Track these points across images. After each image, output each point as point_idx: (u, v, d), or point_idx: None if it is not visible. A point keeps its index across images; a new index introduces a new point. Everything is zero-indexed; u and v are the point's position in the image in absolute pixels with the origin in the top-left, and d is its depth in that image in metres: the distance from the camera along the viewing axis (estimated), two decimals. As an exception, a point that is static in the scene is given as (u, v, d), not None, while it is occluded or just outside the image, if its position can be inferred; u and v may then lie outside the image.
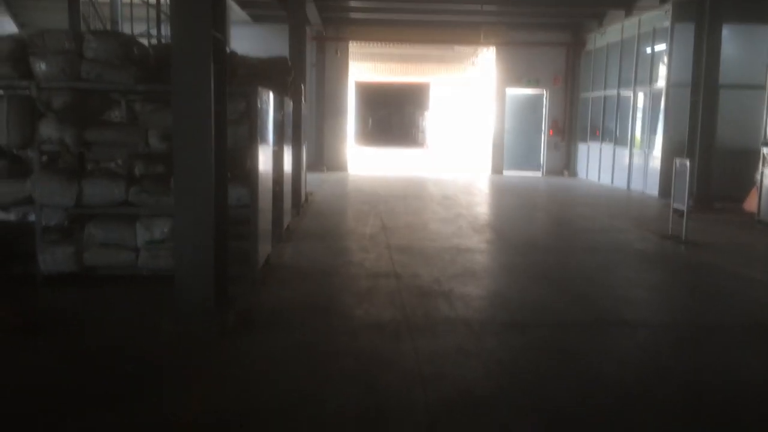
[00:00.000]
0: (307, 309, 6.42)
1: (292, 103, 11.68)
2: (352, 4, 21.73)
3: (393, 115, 47.52)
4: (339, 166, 22.92)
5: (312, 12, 18.52)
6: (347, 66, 23.42)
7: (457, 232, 10.92)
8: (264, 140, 7.47)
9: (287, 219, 10.65)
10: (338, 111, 23.35)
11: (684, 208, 10.79)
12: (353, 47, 23.53)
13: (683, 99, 15.62)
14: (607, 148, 20.63)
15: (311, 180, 16.17)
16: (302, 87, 14.18)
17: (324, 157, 22.65)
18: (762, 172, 12.55)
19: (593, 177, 21.35)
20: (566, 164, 23.87)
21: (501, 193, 18.54)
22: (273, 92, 8.27)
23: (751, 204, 13.42)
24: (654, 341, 5.81)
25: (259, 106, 7.05)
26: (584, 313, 6.56)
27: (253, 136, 7.02)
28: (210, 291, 5.53)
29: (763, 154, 12.54)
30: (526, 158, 24.03)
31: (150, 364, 4.92)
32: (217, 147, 5.58)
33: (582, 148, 23.02)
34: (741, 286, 7.84)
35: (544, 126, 23.85)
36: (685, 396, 4.59)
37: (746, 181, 14.18)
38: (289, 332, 5.70)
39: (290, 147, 13.05)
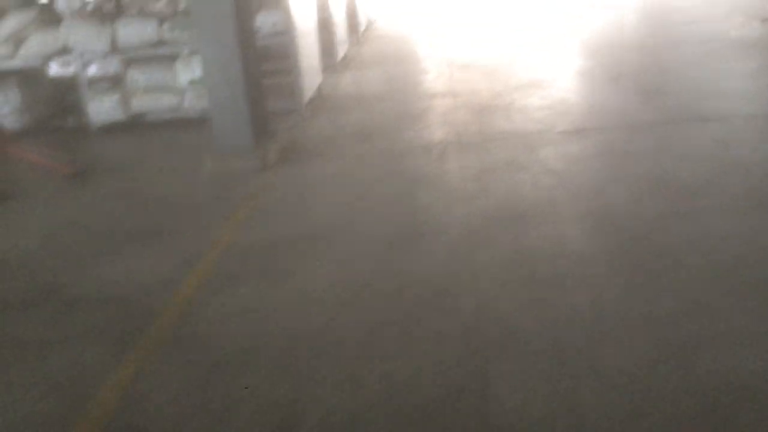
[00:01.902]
0: (355, 136, 6.15)
1: None
2: None
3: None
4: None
5: None
6: None
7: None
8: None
9: (343, 47, 10.13)
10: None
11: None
12: None
13: None
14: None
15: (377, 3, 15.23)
16: None
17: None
18: None
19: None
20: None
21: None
22: None
23: None
24: (733, 134, 5.15)
25: None
26: (658, 112, 5.89)
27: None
28: (246, 127, 5.34)
29: None
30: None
31: (191, 199, 4.93)
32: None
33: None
34: None
35: None
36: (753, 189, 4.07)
37: None
38: (332, 161, 5.51)
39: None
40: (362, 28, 13.00)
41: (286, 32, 6.65)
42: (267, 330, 3.07)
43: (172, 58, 6.80)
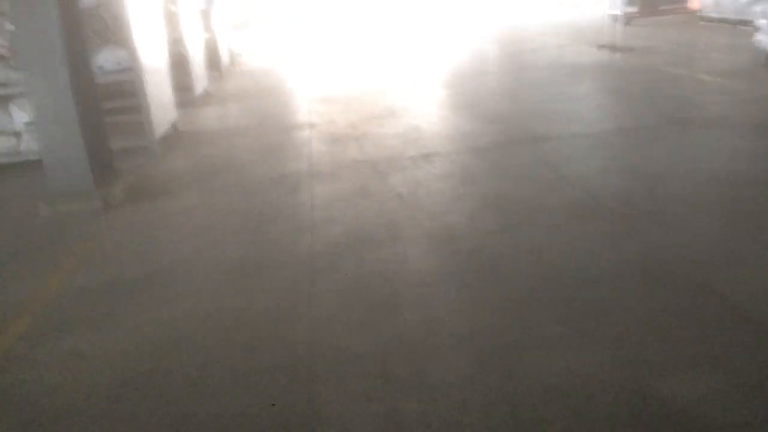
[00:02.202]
0: (208, 172, 6.04)
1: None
2: None
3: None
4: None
5: None
6: None
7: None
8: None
9: (203, 82, 9.99)
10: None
11: (619, 13, 10.21)
12: None
13: None
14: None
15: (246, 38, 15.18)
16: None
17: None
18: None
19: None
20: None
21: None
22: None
23: (694, 1, 12.80)
24: (560, 153, 5.54)
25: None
26: (499, 135, 6.23)
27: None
28: (84, 167, 5.09)
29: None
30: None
31: (21, 245, 4.61)
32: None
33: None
34: (657, 83, 7.53)
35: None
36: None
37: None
38: (181, 198, 5.35)
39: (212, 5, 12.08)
40: (226, 62, 12.90)
41: (132, 69, 6.46)
42: (92, 378, 2.90)
43: (7, 99, 6.40)
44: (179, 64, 8.79)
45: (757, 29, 7.85)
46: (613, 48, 10.14)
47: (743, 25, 9.36)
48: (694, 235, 3.66)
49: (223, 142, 7.15)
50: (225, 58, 12.92)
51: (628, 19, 12.87)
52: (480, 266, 3.59)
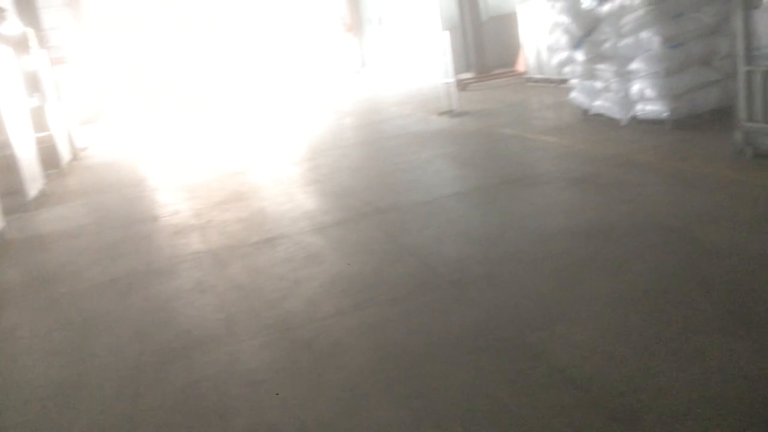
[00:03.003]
0: (33, 283, 5.57)
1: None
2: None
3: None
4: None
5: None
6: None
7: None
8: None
9: (37, 183, 9.37)
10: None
11: (452, 80, 10.81)
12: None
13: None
14: (391, 36, 20.47)
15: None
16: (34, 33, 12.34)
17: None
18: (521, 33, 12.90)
19: (388, 67, 21.24)
20: (363, 58, 23.59)
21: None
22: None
23: (521, 65, 13.86)
24: (399, 225, 5.64)
25: None
26: (343, 211, 6.26)
27: None
28: None
29: (519, 14, 12.84)
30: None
31: None
32: None
33: (374, 40, 22.74)
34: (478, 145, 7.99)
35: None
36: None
37: (517, 43, 14.61)
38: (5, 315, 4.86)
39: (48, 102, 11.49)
40: (67, 158, 12.25)
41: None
42: None
43: None
44: (6, 168, 8.22)
45: (572, 88, 8.55)
46: (451, 114, 10.67)
47: (563, 84, 10.20)
48: (524, 296, 3.76)
49: (56, 247, 6.66)
50: (65, 155, 12.27)
51: (464, 85, 13.69)
52: (316, 355, 3.48)
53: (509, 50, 14.97)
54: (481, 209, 5.72)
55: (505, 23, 15.66)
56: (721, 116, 6.94)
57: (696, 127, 6.95)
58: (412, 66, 18.90)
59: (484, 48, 15.01)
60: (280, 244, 5.51)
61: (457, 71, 16.38)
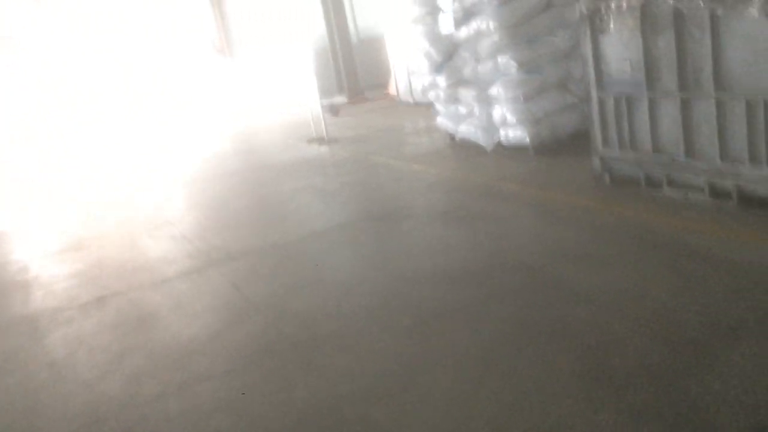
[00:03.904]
0: None
1: None
2: None
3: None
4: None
5: None
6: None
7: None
8: None
9: None
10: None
11: (320, 105, 10.42)
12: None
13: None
14: (268, 57, 19.89)
15: None
16: None
17: None
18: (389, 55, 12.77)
19: (266, 90, 20.61)
20: (236, 81, 22.79)
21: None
22: None
23: (392, 88, 13.73)
24: (248, 276, 5.11)
25: None
26: (193, 258, 5.63)
27: None
28: None
29: (386, 37, 12.72)
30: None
31: None
32: None
33: (245, 63, 22.02)
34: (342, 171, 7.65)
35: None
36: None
37: (388, 66, 14.50)
38: None
39: None
40: None
41: None
42: None
43: None
44: None
45: (437, 112, 8.38)
46: (321, 141, 10.27)
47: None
48: (374, 359, 3.35)
49: None
50: None
51: (336, 110, 13.37)
52: (125, 457, 2.87)
53: (382, 72, 14.84)
54: (339, 252, 5.29)
55: (377, 45, 15.55)
56: (582, 140, 6.95)
57: (558, 152, 6.92)
58: (287, 89, 18.41)
59: (356, 71, 14.78)
60: (111, 304, 4.81)
61: (330, 94, 16.13)
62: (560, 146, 7.02)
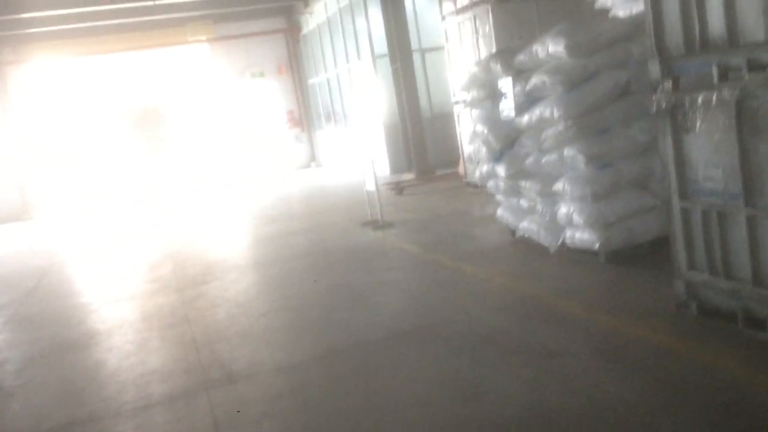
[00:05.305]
0: None
1: None
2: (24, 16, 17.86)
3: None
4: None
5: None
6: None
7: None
8: None
9: None
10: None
11: (376, 187, 9.69)
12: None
13: (387, 69, 14.89)
14: (340, 132, 19.66)
15: None
16: None
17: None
18: (460, 133, 11.98)
19: (336, 164, 20.30)
20: (312, 155, 22.70)
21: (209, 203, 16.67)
22: None
23: (462, 167, 12.90)
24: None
25: None
26: (189, 375, 4.87)
27: None
28: None
29: (457, 115, 11.98)
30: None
31: None
32: None
33: (321, 137, 21.93)
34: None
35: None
36: None
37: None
38: None
39: None
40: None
41: None
42: None
43: None
44: None
45: (498, 203, 7.43)
46: (375, 225, 9.49)
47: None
48: None
49: None
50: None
51: (400, 189, 12.67)
52: None
53: (453, 149, 14.06)
54: (344, 384, 4.33)
55: (449, 121, 14.84)
56: (664, 248, 5.80)
57: (634, 262, 5.76)
58: (359, 164, 17.96)
59: (425, 148, 14.08)
60: (74, 437, 4.08)
61: (399, 171, 15.47)
62: (637, 254, 5.87)
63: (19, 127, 19.52)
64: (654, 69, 4.23)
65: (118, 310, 7.22)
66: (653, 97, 4.21)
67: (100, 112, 20.95)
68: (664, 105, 4.09)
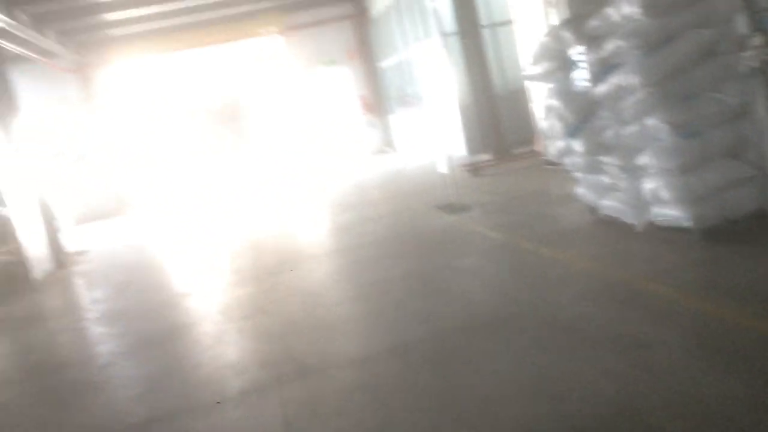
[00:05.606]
0: None
1: None
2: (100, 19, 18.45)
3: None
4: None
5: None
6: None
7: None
8: None
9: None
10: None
11: (450, 168, 9.45)
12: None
13: (458, 47, 14.50)
14: (413, 115, 19.41)
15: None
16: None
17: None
18: (534, 109, 11.52)
19: (411, 148, 20.09)
20: (386, 140, 22.60)
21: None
22: None
23: (539, 145, 12.41)
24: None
25: None
26: (262, 369, 4.86)
27: None
28: None
29: (529, 90, 11.51)
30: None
31: None
32: None
33: (394, 121, 21.77)
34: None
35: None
36: None
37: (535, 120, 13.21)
38: None
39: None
40: (45, 270, 11.30)
41: None
42: None
43: None
44: None
45: (577, 181, 7.04)
46: (450, 209, 9.26)
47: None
48: None
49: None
50: (44, 265, 11.36)
51: (476, 170, 12.35)
52: None
53: (530, 127, 13.55)
54: (420, 379, 4.16)
55: (525, 97, 14.29)
56: (764, 222, 5.30)
57: (731, 239, 5.28)
58: (435, 147, 17.68)
59: (500, 127, 13.61)
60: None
61: (476, 151, 15.08)
62: (734, 230, 5.38)
63: (107, 127, 20.38)
64: (742, 24, 3.80)
65: (199, 302, 7.37)
66: (743, 56, 3.77)
67: (181, 109, 21.66)
68: (755, 63, 3.66)
